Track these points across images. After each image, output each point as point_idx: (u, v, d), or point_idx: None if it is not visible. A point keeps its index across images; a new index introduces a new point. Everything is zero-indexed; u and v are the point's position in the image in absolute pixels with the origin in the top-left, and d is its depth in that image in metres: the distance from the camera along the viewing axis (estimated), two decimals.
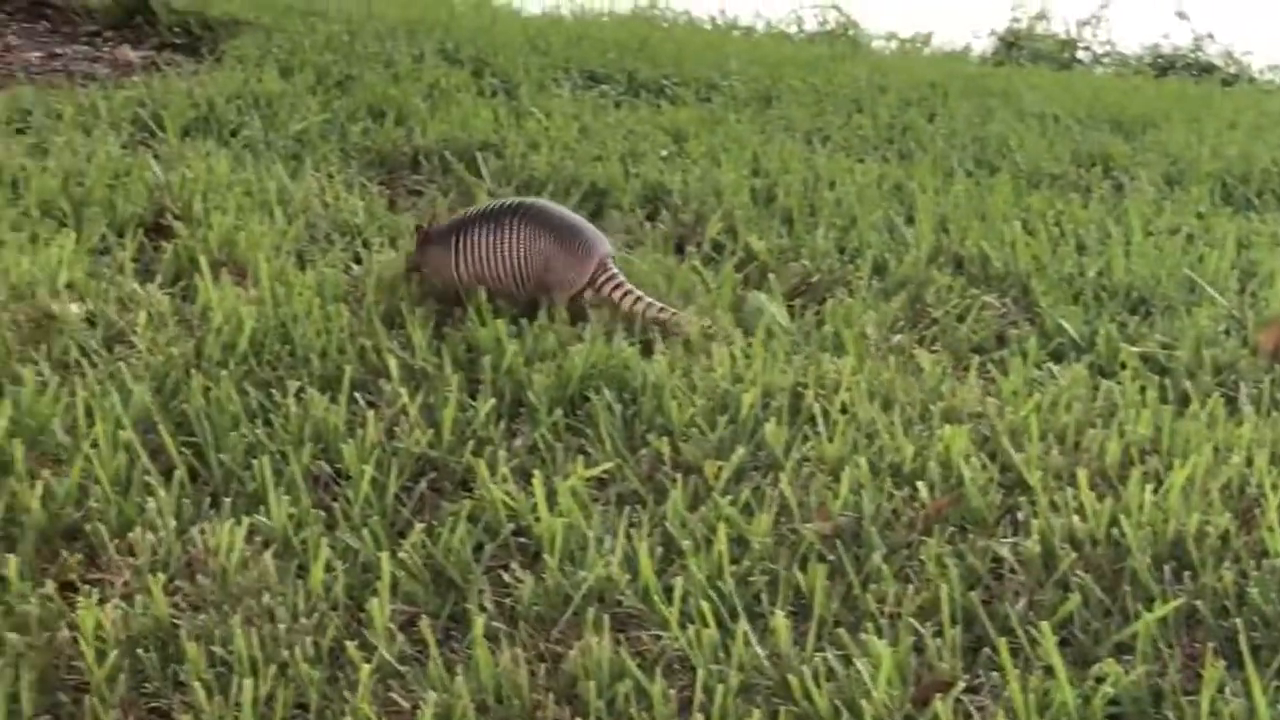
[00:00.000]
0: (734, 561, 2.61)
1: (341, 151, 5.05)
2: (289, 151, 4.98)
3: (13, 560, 2.51)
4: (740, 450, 2.94)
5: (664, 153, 5.23)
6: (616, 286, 3.68)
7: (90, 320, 3.48)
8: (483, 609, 2.50)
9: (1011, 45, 12.33)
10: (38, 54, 7.10)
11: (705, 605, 2.46)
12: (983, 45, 12.08)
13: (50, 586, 2.51)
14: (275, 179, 4.50)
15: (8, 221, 3.98)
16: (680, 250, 4.22)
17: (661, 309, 3.68)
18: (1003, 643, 2.40)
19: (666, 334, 3.62)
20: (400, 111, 5.54)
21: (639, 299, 3.67)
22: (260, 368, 3.25)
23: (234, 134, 5.20)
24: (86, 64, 6.94)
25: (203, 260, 3.71)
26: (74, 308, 3.49)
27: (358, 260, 3.96)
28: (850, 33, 11.83)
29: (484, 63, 6.77)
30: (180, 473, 2.81)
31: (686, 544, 2.64)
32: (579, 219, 3.80)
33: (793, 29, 11.75)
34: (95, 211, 4.11)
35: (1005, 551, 2.70)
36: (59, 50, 7.21)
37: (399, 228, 4.21)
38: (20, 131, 4.98)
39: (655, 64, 7.12)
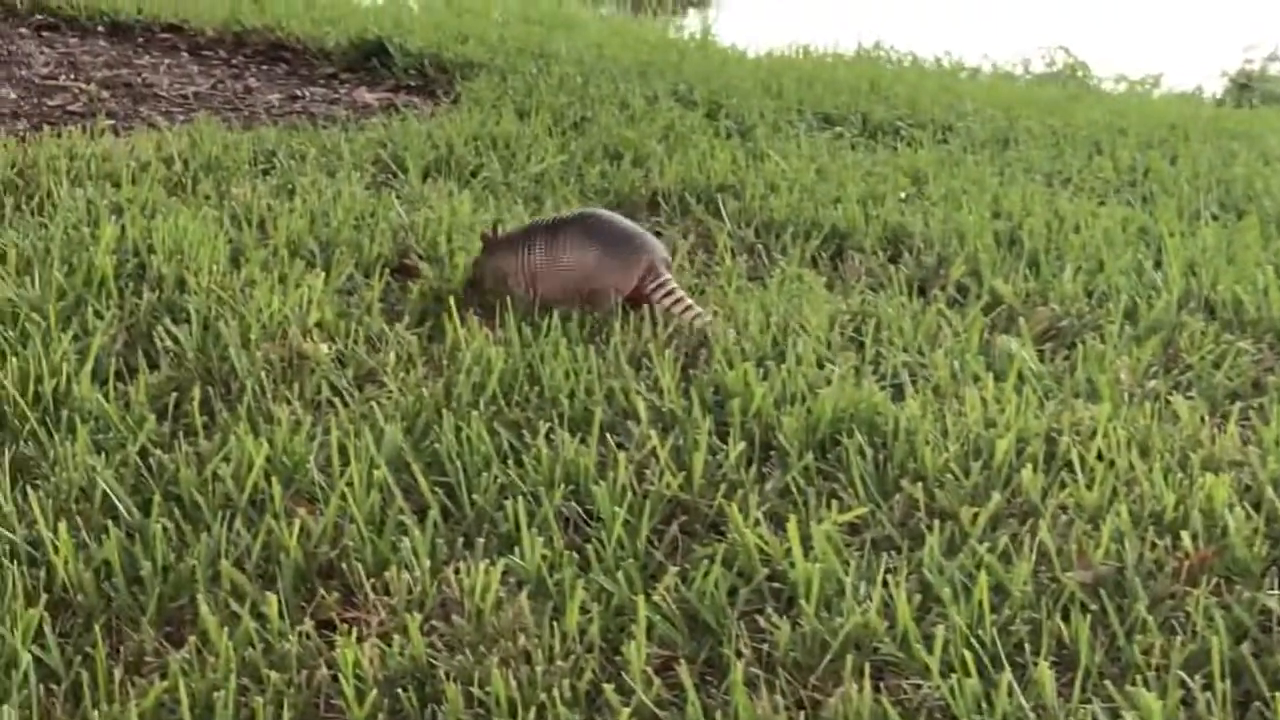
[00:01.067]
0: (994, 610, 2.55)
1: (580, 192, 5.05)
2: (529, 193, 5.00)
3: (273, 599, 2.52)
4: (996, 497, 2.88)
5: (903, 195, 5.17)
6: (662, 289, 3.80)
7: (340, 360, 3.50)
8: (739, 654, 2.46)
9: (1244, 87, 12.08)
10: (278, 96, 7.24)
11: (966, 654, 2.41)
12: (1214, 87, 11.85)
13: (308, 624, 2.52)
14: (516, 220, 4.51)
15: (257, 261, 4.03)
16: (924, 293, 4.16)
17: (697, 314, 3.78)
18: (1276, 698, 2.32)
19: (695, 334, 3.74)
20: (637, 153, 5.54)
21: (677, 300, 3.79)
22: (510, 408, 3.25)
23: (474, 175, 5.23)
24: (326, 106, 7.06)
25: (450, 301, 3.73)
26: (324, 347, 3.52)
27: None
28: (1079, 74, 11.68)
29: (717, 105, 6.77)
30: (434, 512, 2.81)
31: (945, 591, 2.59)
32: (632, 228, 3.90)
33: (1018, 70, 11.64)
34: (342, 252, 4.14)
35: (1274, 604, 2.61)
36: (298, 92, 7.34)
37: None
38: (266, 172, 5.06)
39: (889, 105, 7.06)
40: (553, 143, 5.68)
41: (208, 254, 4.03)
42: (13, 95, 6.60)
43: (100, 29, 8.74)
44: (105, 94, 6.84)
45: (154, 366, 3.45)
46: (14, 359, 3.38)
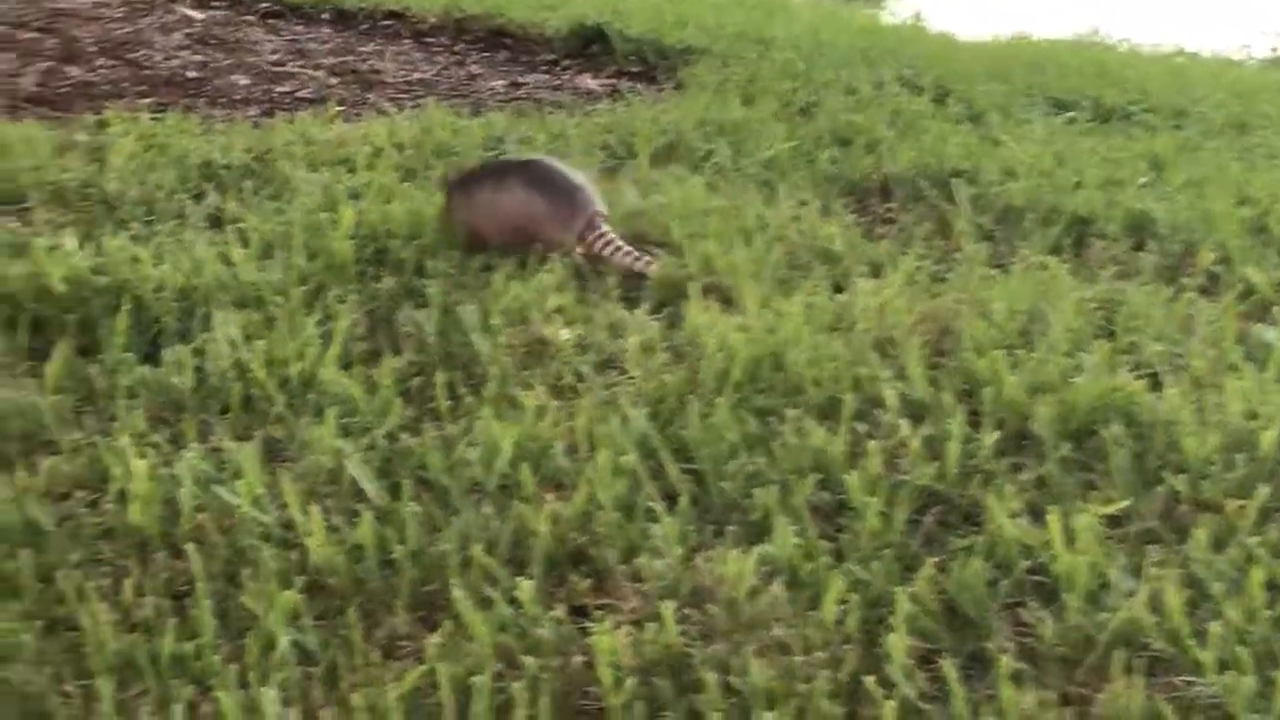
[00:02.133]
0: (1268, 606, 2.46)
1: (809, 178, 4.99)
2: (760, 178, 4.94)
3: (526, 584, 2.50)
4: (1263, 489, 2.78)
5: (1142, 181, 5.04)
6: (601, 239, 3.99)
7: (581, 345, 3.48)
8: (1003, 649, 2.40)
9: None
10: (501, 82, 7.26)
11: (1240, 650, 2.32)
12: None
13: (561, 610, 2.50)
14: (751, 206, 4.46)
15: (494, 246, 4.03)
16: (1172, 281, 4.04)
17: (637, 258, 3.96)
18: None
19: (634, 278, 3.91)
20: (867, 139, 5.46)
21: (618, 249, 3.97)
22: (755, 395, 3.20)
23: (703, 160, 5.19)
24: (549, 92, 7.06)
25: (692, 287, 3.70)
26: (565, 333, 3.50)
27: (839, 288, 3.89)
28: None
29: (944, 90, 6.65)
30: (683, 499, 2.78)
31: (1216, 586, 2.50)
32: (573, 180, 4.10)
33: (1240, 55, 11.34)
34: None
35: None
36: (521, 79, 7.35)
37: (878, 256, 4.13)
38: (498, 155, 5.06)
39: (1120, 90, 6.90)
40: (780, 128, 5.62)
41: (445, 239, 4.03)
42: (244, 81, 6.68)
43: (325, 16, 8.80)
44: (333, 80, 6.90)
45: (396, 351, 3.44)
46: (260, 342, 3.39)
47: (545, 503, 2.76)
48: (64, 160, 4.78)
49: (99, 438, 3.05)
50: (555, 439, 3.00)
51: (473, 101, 6.63)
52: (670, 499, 2.81)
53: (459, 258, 3.94)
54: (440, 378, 3.26)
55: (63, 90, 6.24)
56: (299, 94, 6.61)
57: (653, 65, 7.73)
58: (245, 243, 4.02)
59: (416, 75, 7.19)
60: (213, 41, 7.51)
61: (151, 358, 3.46)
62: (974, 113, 6.11)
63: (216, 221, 4.29)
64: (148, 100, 6.15)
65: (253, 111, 6.16)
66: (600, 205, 4.06)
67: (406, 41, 8.32)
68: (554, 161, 4.28)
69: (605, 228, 4.02)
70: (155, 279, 3.77)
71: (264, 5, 8.99)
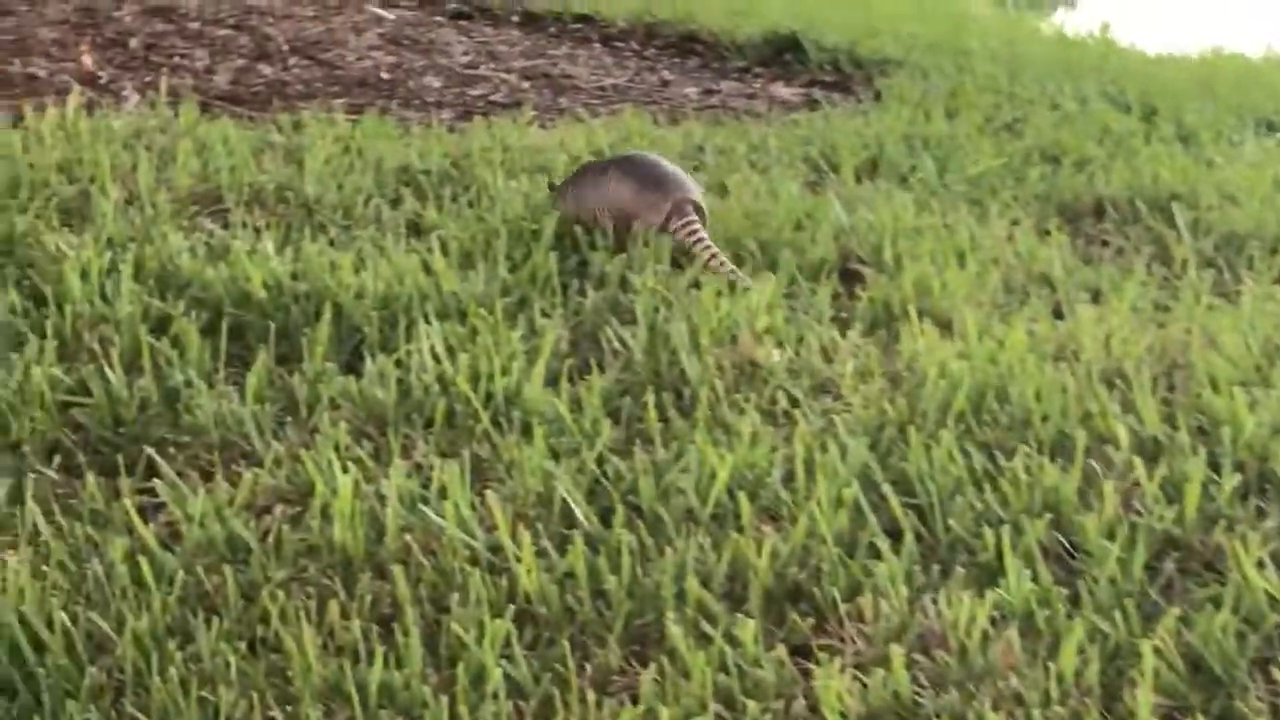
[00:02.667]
0: None
1: (1015, 197, 4.83)
2: (968, 196, 4.79)
3: (748, 623, 2.40)
4: None
5: None
6: (688, 230, 4.07)
7: (793, 369, 3.36)
8: (1255, 709, 2.25)
9: None
10: (694, 89, 7.16)
11: None
12: None
13: (781, 650, 2.39)
14: (963, 225, 4.32)
15: (700, 263, 3.93)
16: None
17: (722, 263, 4.00)
18: None
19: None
20: (1077, 157, 5.29)
21: (706, 246, 4.04)
22: (979, 428, 3.07)
23: (907, 176, 5.05)
24: (744, 100, 6.95)
25: (910, 310, 3.57)
26: (775, 354, 3.39)
27: (1058, 314, 3.74)
28: None
29: (1150, 106, 6.45)
30: (908, 537, 2.66)
31: None
32: (666, 169, 4.27)
33: None
34: (784, 254, 4.00)
35: None
36: (714, 86, 7.24)
37: (1098, 282, 3.98)
38: (696, 168, 4.94)
39: None
40: (986, 144, 5.47)
41: (650, 252, 3.93)
42: (436, 84, 6.63)
43: (514, 19, 8.74)
44: (525, 84, 6.83)
45: (602, 368, 3.34)
46: (464, 355, 3.31)
47: (762, 535, 2.65)
48: (261, 162, 4.73)
49: (301, 450, 2.97)
50: (771, 468, 2.88)
51: (666, 108, 6.53)
52: (893, 535, 2.68)
53: (665, 273, 3.82)
54: (649, 398, 3.16)
55: (256, 89, 6.23)
56: (492, 98, 6.55)
57: (848, 75, 7.60)
58: (445, 251, 3.94)
59: (609, 80, 7.10)
60: (405, 42, 7.48)
61: (353, 368, 3.38)
62: (1184, 132, 5.89)
63: (415, 228, 4.22)
64: (341, 101, 6.11)
65: (446, 115, 6.09)
66: (694, 194, 4.17)
67: (596, 45, 8.26)
68: (651, 156, 4.50)
69: (695, 220, 4.09)
70: (355, 286, 3.70)
71: (453, 6, 8.94)
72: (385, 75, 6.63)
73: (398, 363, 3.37)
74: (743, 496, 2.74)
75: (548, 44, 8.14)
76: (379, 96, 6.25)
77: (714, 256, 4.00)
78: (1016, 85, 6.72)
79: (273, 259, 3.85)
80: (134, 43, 6.62)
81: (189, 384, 3.31)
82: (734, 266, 4.01)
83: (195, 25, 7.11)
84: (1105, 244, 4.47)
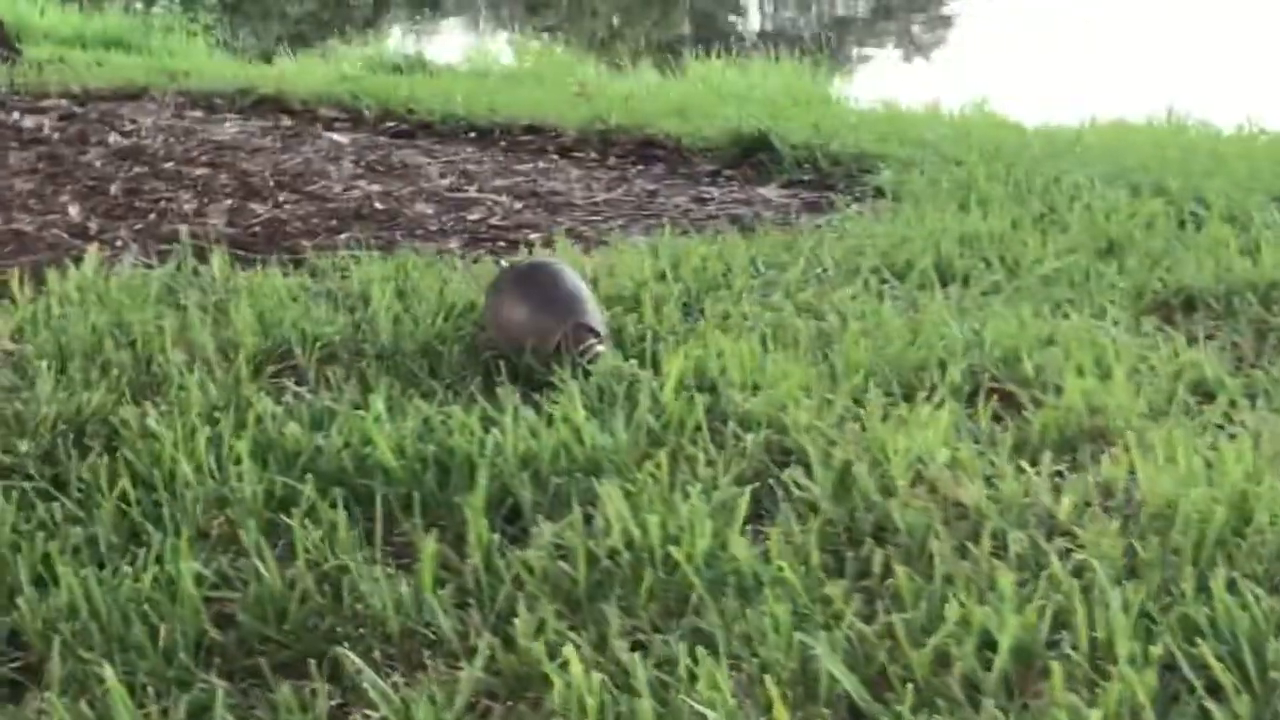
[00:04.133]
0: None
1: (1099, 294, 4.66)
2: (1050, 296, 4.61)
3: None
4: None
5: None
6: (587, 357, 3.91)
7: (1000, 506, 3.14)
8: None
9: None
10: (682, 198, 6.97)
11: None
12: None
13: None
14: (1083, 330, 4.14)
15: (846, 392, 3.71)
16: None
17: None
18: None
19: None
20: (1143, 250, 5.13)
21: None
22: (1247, 562, 2.86)
23: (970, 278, 4.87)
24: (741, 207, 6.76)
25: (1087, 430, 3.37)
26: (973, 491, 3.17)
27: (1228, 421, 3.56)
28: None
29: (1157, 186, 6.33)
30: (1242, 696, 2.44)
31: None
32: (560, 288, 4.10)
33: None
34: (920, 377, 3.80)
35: None
36: (702, 193, 7.04)
37: (1253, 384, 3.81)
38: (766, 286, 4.73)
39: None
40: (1034, 238, 5.30)
41: (787, 386, 3.70)
42: (429, 210, 6.38)
43: (461, 135, 8.51)
44: (518, 205, 6.60)
45: (799, 518, 3.11)
46: (653, 517, 3.06)
47: (1072, 706, 2.42)
48: (314, 311, 4.46)
49: (488, 636, 2.72)
50: (1040, 623, 2.66)
51: (670, 221, 6.31)
52: (1214, 693, 2.47)
53: (814, 404, 3.60)
54: (869, 551, 2.93)
55: (254, 229, 5.94)
56: (491, 221, 6.31)
57: (826, 174, 7.41)
58: (570, 399, 3.69)
59: (601, 196, 6.87)
60: (379, 168, 7.22)
61: (516, 538, 3.13)
62: (1230, 214, 5.75)
63: (515, 374, 3.96)
64: (345, 236, 5.85)
65: (454, 244, 5.86)
66: (593, 319, 4.02)
67: (554, 157, 8.03)
68: (551, 268, 4.31)
69: (590, 340, 3.96)
70: (491, 445, 3.45)
71: (390, 125, 8.71)
72: (379, 205, 6.38)
73: (570, 527, 3.10)
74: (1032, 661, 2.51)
75: (510, 159, 7.91)
76: (381, 229, 6.00)
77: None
78: (1024, 174, 6.54)
79: (385, 420, 3.57)
80: (114, 189, 6.32)
81: (344, 568, 3.03)
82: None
83: (169, 165, 6.81)
84: (1210, 339, 4.29)
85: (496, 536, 3.11)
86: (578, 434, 3.49)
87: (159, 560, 3.07)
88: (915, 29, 21.92)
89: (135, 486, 3.37)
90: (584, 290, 4.19)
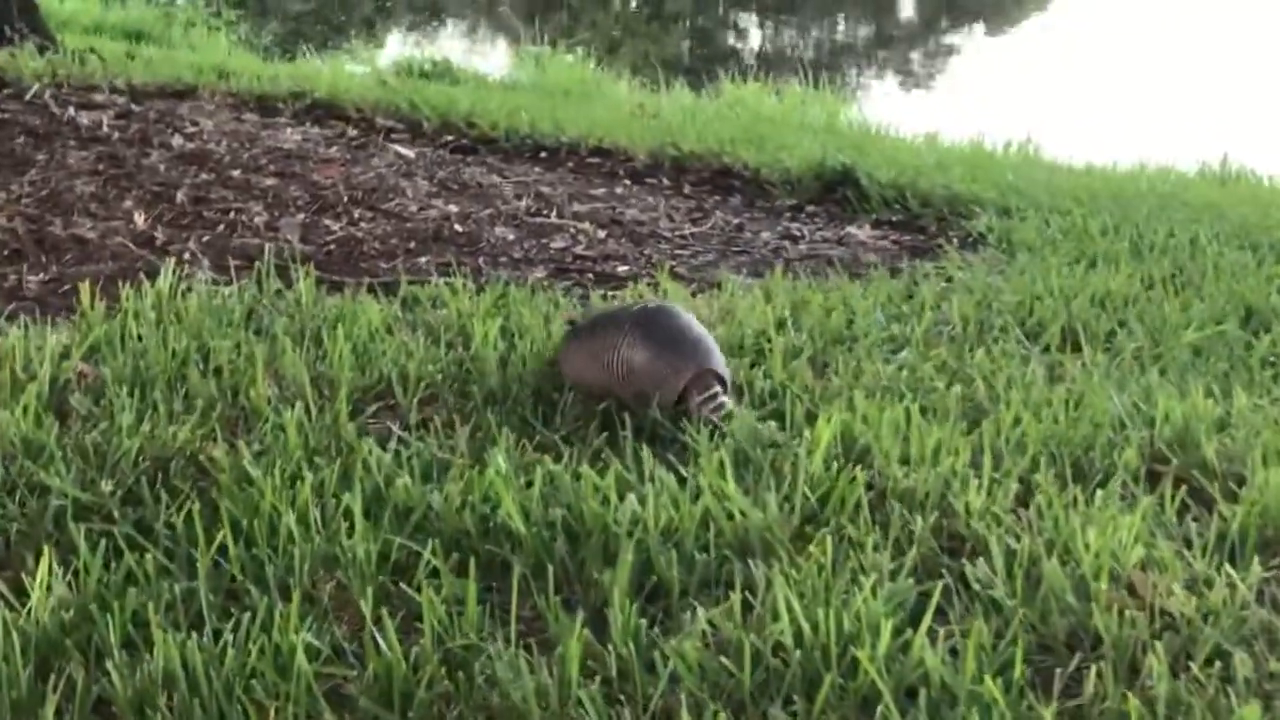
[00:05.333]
0: None
1: (1246, 368, 4.32)
2: (1202, 369, 4.28)
3: None
4: None
5: None
6: (706, 403, 3.68)
7: (1204, 612, 2.80)
8: None
9: None
10: (768, 233, 6.62)
11: None
12: None
13: None
14: (1258, 411, 3.79)
15: (1014, 470, 3.36)
16: None
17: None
18: None
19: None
20: None
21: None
22: None
23: (1108, 344, 4.52)
24: (831, 246, 6.42)
25: None
26: (1179, 594, 2.82)
27: None
28: None
29: (1268, 243, 5.99)
30: None
31: None
32: (687, 331, 3.79)
33: None
34: (1091, 457, 3.46)
35: None
36: (792, 230, 6.69)
37: None
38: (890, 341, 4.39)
39: None
40: (1171, 302, 4.95)
41: (951, 463, 3.36)
42: (511, 236, 6.04)
43: (527, 153, 8.17)
44: (601, 233, 6.25)
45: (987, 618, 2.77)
46: (817, 607, 2.72)
47: None
48: (416, 347, 4.13)
49: None
50: None
51: (763, 260, 5.98)
52: None
53: (981, 484, 3.26)
54: (1090, 672, 2.59)
55: (328, 248, 5.60)
56: (576, 250, 5.96)
57: (916, 215, 7.07)
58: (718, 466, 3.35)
59: (688, 229, 6.52)
60: (453, 186, 6.87)
61: (659, 622, 2.80)
62: None
63: (652, 436, 3.63)
64: (425, 260, 5.51)
65: (539, 273, 5.52)
66: (718, 365, 3.74)
67: (626, 182, 7.69)
68: (676, 311, 3.94)
69: (716, 387, 3.71)
70: (629, 515, 3.11)
71: (449, 139, 8.36)
72: (458, 227, 6.03)
73: (727, 616, 2.77)
74: None
75: (581, 182, 7.56)
76: (463, 253, 5.66)
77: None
78: (1118, 225, 6.20)
79: (507, 477, 3.24)
80: (180, 196, 5.97)
81: (475, 648, 2.70)
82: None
83: (237, 174, 6.46)
84: None
85: (643, 621, 2.76)
86: (724, 505, 3.15)
87: (265, 628, 2.72)
88: (915, 57, 21.55)
89: (235, 540, 3.02)
90: (708, 335, 3.86)
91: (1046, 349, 4.51)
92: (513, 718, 2.58)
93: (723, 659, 2.66)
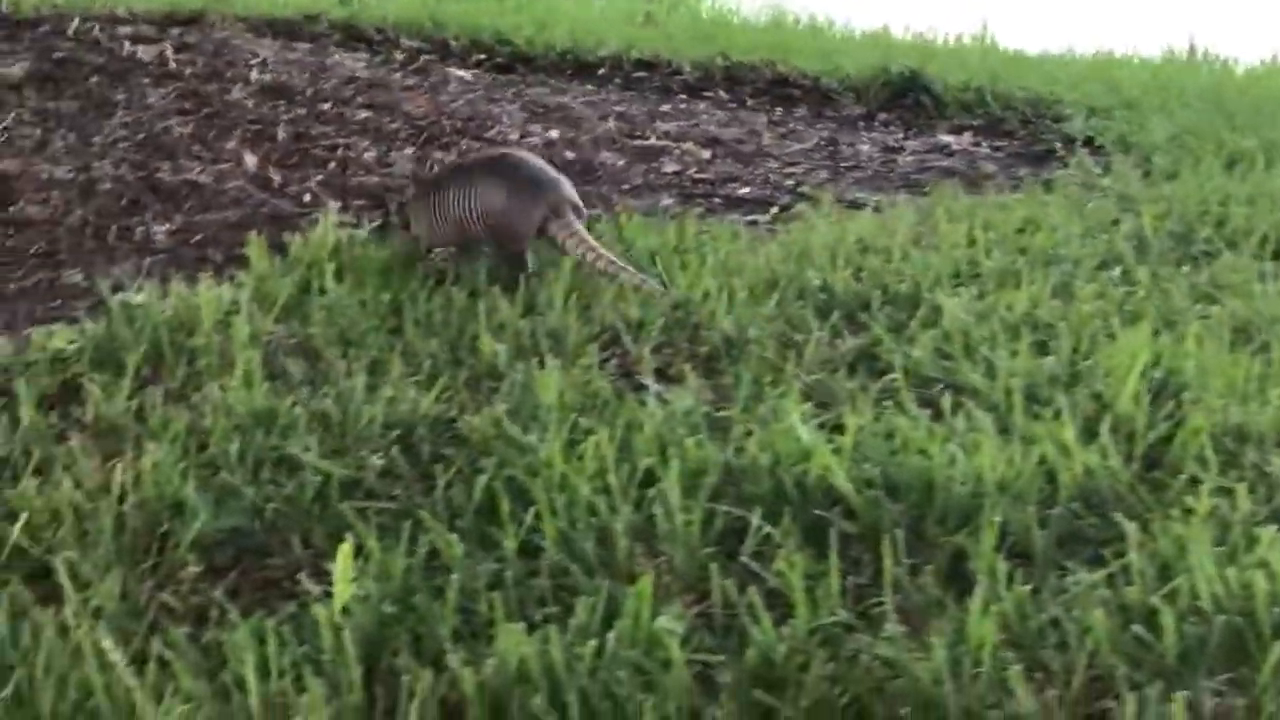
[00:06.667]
0: None
1: None
2: None
3: None
4: None
5: None
6: (570, 235, 3.85)
7: None
8: None
9: None
10: (868, 147, 6.39)
11: None
12: None
13: None
14: None
15: None
16: None
17: (622, 268, 3.83)
18: None
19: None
20: None
21: (598, 255, 3.84)
22: None
23: None
24: (938, 156, 6.21)
25: None
26: None
27: None
28: None
29: None
30: None
31: None
32: (538, 169, 3.98)
33: None
34: None
35: None
36: (891, 143, 6.46)
37: None
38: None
39: None
40: None
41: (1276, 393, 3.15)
42: (621, 161, 5.77)
43: (565, 70, 7.87)
44: (705, 154, 6.00)
45: None
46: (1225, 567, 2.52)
47: None
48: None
49: None
50: None
51: (879, 175, 5.76)
52: None
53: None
54: None
55: None
56: (691, 174, 5.71)
57: (998, 119, 6.84)
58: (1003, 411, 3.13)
59: (794, 145, 6.28)
60: (538, 111, 6.59)
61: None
62: None
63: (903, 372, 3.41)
64: None
65: (667, 200, 5.27)
66: (566, 194, 3.92)
67: (683, 97, 7.42)
68: (522, 154, 4.23)
69: (571, 218, 3.89)
70: (958, 469, 2.89)
71: (482, 58, 8.03)
72: (569, 155, 5.75)
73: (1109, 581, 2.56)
74: None
75: (645, 100, 7.28)
76: (586, 183, 5.38)
77: (610, 263, 3.84)
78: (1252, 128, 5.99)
79: (812, 433, 3.01)
80: (280, 133, 5.66)
81: (846, 626, 2.49)
82: (634, 270, 3.86)
83: (327, 107, 6.15)
84: None
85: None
86: (1066, 456, 2.93)
87: (610, 613, 2.49)
88: None
89: (530, 514, 2.77)
90: (556, 171, 4.07)
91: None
92: (915, 701, 2.35)
93: (1136, 628, 2.44)
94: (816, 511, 2.83)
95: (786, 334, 3.61)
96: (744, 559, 2.70)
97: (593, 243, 3.86)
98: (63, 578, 2.63)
